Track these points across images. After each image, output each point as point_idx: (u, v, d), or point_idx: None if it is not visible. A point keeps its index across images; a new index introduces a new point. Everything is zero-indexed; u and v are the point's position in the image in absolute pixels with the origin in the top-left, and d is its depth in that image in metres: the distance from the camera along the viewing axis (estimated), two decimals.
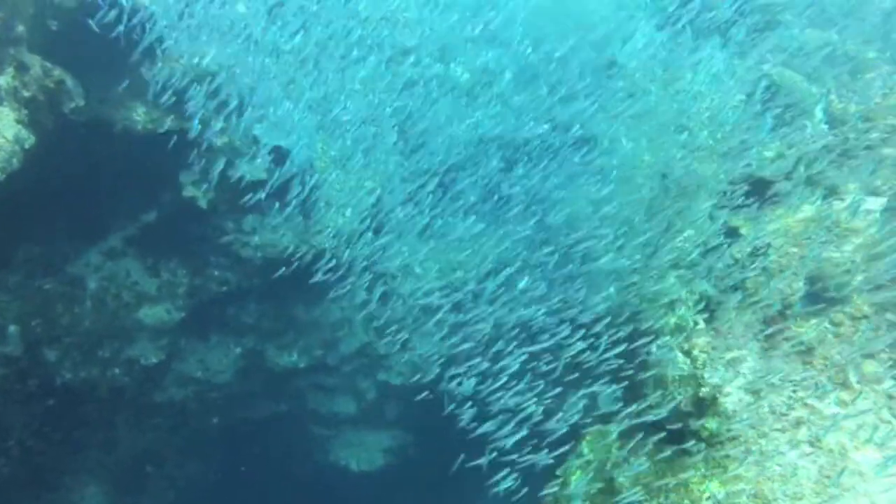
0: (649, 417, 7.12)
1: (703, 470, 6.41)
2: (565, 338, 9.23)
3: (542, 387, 9.38)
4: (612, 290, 10.39)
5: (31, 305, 11.66)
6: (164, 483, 14.67)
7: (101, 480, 13.67)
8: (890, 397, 6.19)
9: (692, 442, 6.65)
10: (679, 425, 6.77)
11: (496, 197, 12.96)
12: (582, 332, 9.44)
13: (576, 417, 8.52)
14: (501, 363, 10.01)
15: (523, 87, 13.92)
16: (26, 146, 9.03)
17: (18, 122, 8.97)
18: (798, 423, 6.26)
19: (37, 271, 11.80)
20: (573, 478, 7.99)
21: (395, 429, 15.57)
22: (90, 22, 9.62)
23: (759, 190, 9.19)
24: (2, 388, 11.41)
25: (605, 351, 8.48)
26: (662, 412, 7.00)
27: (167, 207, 12.46)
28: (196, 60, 11.50)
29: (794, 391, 6.54)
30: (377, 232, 13.15)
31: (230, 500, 14.99)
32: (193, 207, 12.23)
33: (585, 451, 8.03)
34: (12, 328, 11.39)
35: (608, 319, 9.46)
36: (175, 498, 14.79)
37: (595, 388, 8.59)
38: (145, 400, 13.52)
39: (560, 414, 8.81)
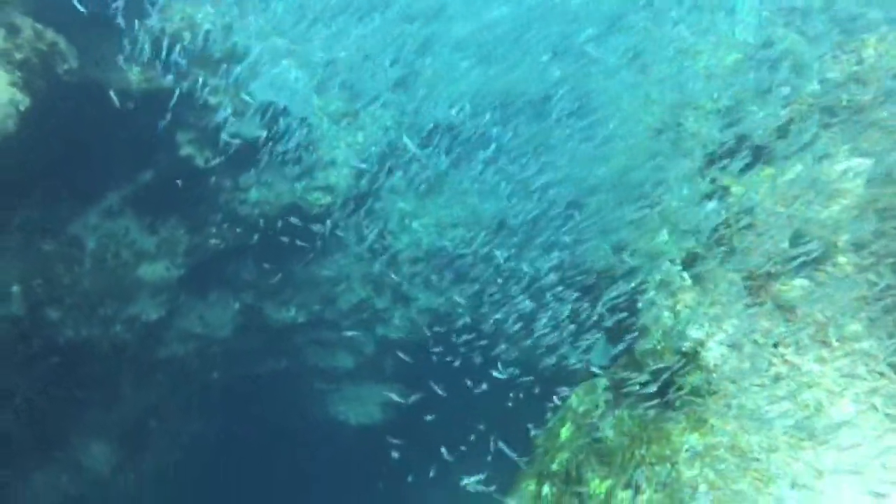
0: (635, 372, 7.32)
1: (683, 423, 6.60)
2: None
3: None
4: (606, 245, 10.56)
5: (32, 266, 11.81)
6: (167, 440, 14.97)
7: (106, 438, 13.96)
8: (867, 355, 6.34)
9: (674, 395, 6.83)
10: (662, 379, 6.94)
11: (494, 153, 13.01)
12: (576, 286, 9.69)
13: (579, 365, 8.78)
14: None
15: (522, 43, 13.88)
16: (21, 108, 9.09)
17: (12, 84, 9.02)
18: (777, 379, 6.43)
19: (36, 232, 11.92)
20: (563, 429, 8.22)
21: (392, 383, 15.81)
22: None
23: (750, 149, 9.25)
24: (6, 348, 11.60)
25: (599, 305, 8.69)
26: (647, 366, 7.19)
27: (164, 166, 12.52)
28: (191, 18, 11.48)
29: (775, 347, 6.70)
30: (374, 188, 13.23)
31: (233, 456, 15.31)
32: (191, 165, 12.30)
33: (575, 402, 8.24)
34: (15, 288, 11.54)
35: (602, 274, 9.67)
36: (179, 455, 15.10)
37: (587, 341, 8.81)
38: (147, 356, 13.74)
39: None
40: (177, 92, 10.95)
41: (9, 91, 8.93)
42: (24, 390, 12.47)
